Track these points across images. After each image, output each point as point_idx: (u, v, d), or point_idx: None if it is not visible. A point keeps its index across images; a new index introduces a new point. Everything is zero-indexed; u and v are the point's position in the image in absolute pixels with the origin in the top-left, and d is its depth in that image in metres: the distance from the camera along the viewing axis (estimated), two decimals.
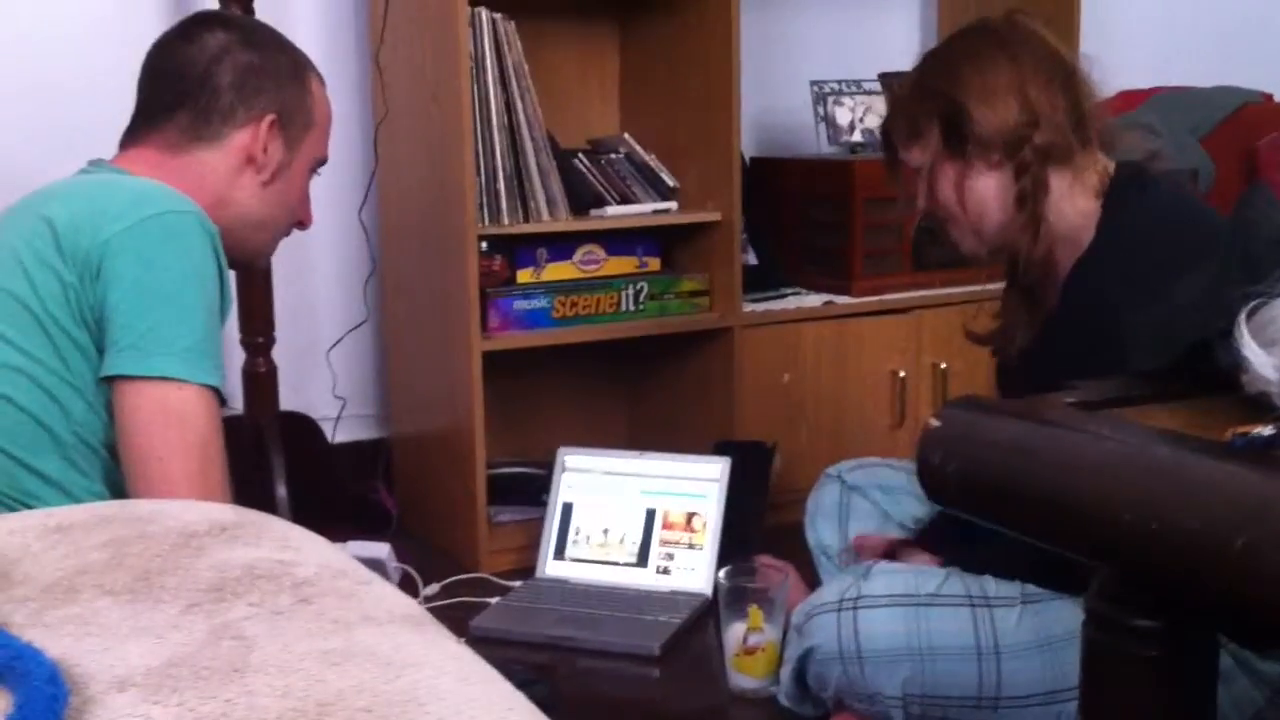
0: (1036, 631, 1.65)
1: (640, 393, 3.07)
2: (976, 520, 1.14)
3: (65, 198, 1.54)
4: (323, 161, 1.78)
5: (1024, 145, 1.71)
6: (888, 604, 1.69)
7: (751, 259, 2.96)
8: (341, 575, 0.87)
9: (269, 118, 1.66)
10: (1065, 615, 1.62)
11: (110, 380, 1.45)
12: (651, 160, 2.84)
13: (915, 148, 1.81)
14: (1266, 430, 0.92)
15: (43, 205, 1.53)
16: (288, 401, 2.71)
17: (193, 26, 1.69)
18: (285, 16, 2.62)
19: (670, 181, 2.82)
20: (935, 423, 1.12)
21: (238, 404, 2.65)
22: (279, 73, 1.69)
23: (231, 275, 1.63)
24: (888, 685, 1.68)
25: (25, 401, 1.46)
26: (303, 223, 1.79)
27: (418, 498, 2.84)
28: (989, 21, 1.82)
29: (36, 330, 1.46)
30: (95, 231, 1.46)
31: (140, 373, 1.43)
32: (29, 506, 1.45)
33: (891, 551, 1.92)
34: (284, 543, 0.92)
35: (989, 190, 1.76)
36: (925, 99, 1.79)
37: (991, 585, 1.70)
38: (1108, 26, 3.35)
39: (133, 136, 1.67)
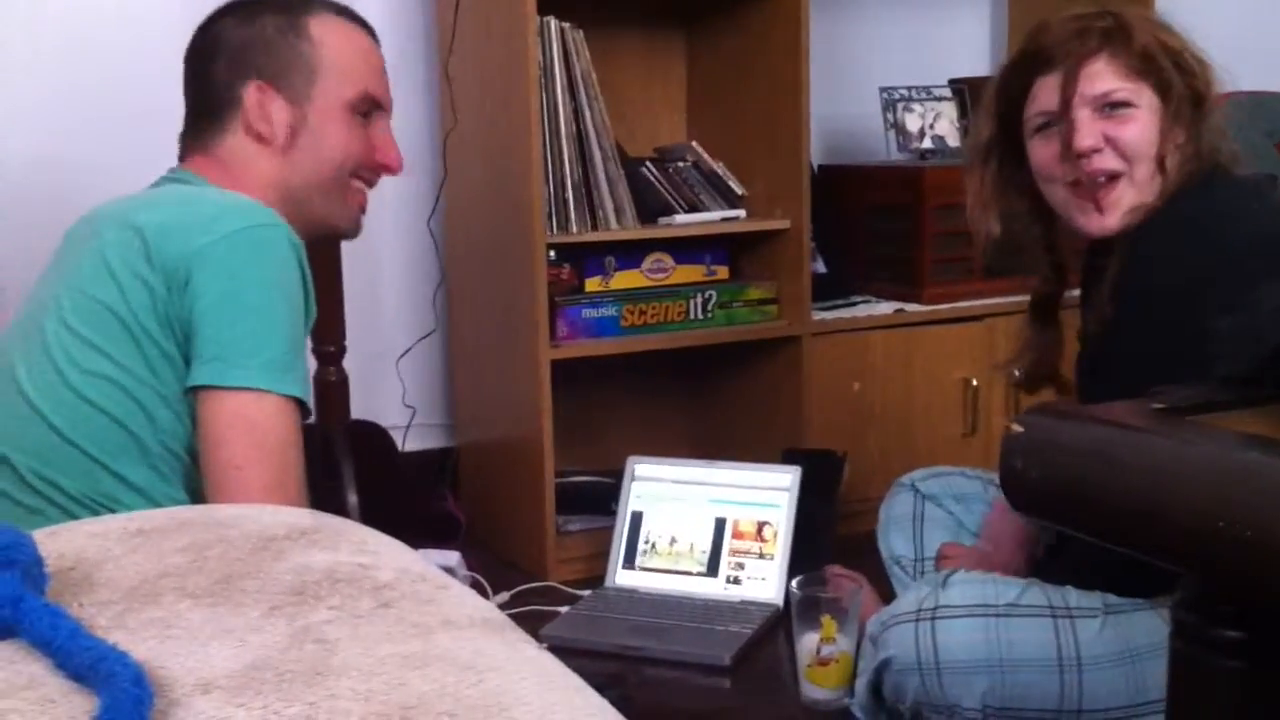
0: (1119, 643, 1.62)
1: (709, 401, 3.06)
2: (1059, 528, 1.12)
3: (154, 208, 1.55)
4: (364, 100, 1.66)
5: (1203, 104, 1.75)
6: (966, 614, 1.66)
7: (820, 267, 2.94)
8: (420, 580, 0.86)
9: (255, 83, 1.63)
10: (1149, 626, 1.59)
11: (194, 390, 1.46)
12: (719, 168, 2.83)
13: (1131, 84, 1.76)
14: None
15: (132, 214, 1.54)
16: (358, 410, 2.73)
17: (206, 22, 1.69)
18: None
19: (738, 189, 2.81)
20: (1017, 428, 1.10)
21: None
22: (264, 36, 1.65)
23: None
24: (966, 697, 1.65)
25: (115, 410, 1.48)
26: (386, 166, 1.70)
27: (486, 507, 2.84)
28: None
29: (127, 339, 1.48)
30: (184, 243, 1.47)
31: (223, 383, 1.44)
32: (110, 510, 1.46)
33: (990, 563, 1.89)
34: (362, 547, 0.92)
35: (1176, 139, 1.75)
36: (1157, 48, 1.77)
37: (1073, 595, 1.67)
38: (1181, 29, 3.29)
39: (185, 144, 1.69)
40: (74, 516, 1.44)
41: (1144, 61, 1.75)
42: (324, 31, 1.66)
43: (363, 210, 1.73)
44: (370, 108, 1.68)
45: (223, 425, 1.44)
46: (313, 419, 2.20)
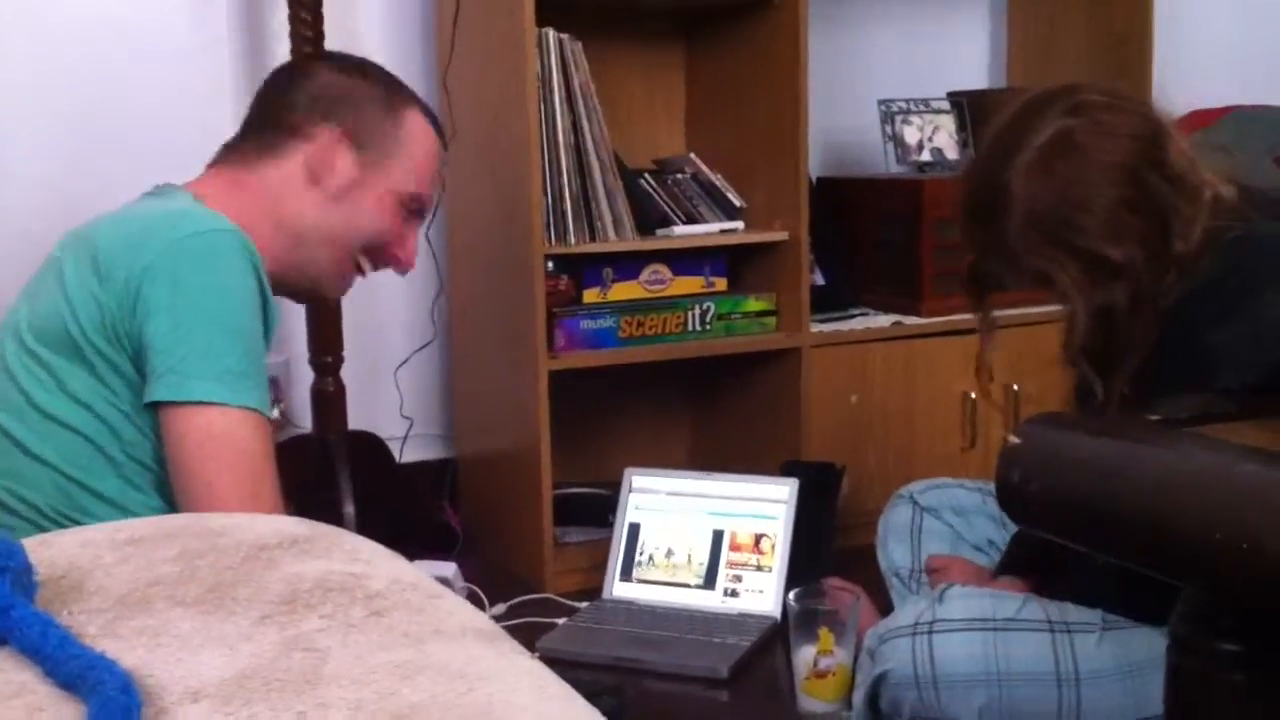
0: (1118, 657, 1.62)
1: (707, 413, 3.05)
2: (1058, 540, 1.12)
3: (112, 222, 1.54)
4: (416, 199, 1.73)
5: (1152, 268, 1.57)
6: (964, 628, 1.66)
7: (819, 279, 2.93)
8: (412, 589, 0.86)
9: (336, 131, 1.66)
10: (1147, 640, 1.58)
11: (155, 406, 1.44)
12: (718, 180, 2.83)
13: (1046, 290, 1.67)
14: None
15: (94, 230, 1.54)
16: (355, 421, 2.72)
17: (301, 59, 1.74)
18: (353, 39, 2.64)
19: (737, 201, 2.81)
20: (1015, 440, 1.10)
21: (306, 423, 2.66)
22: (361, 96, 1.69)
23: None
24: (964, 711, 1.64)
25: (78, 424, 1.46)
26: (398, 260, 1.75)
27: (484, 518, 2.84)
28: (1070, 122, 1.61)
29: (77, 357, 1.46)
30: (133, 257, 1.46)
31: (182, 398, 1.42)
32: (83, 523, 1.45)
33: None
34: (354, 555, 0.91)
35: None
36: (1049, 247, 1.62)
37: (1072, 610, 1.66)
38: (1182, 43, 3.30)
39: (215, 157, 1.69)
40: (47, 531, 1.44)
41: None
42: (414, 126, 1.72)
43: (348, 286, 1.79)
44: (416, 208, 1.74)
45: (190, 442, 1.42)
46: (299, 428, 2.18)
